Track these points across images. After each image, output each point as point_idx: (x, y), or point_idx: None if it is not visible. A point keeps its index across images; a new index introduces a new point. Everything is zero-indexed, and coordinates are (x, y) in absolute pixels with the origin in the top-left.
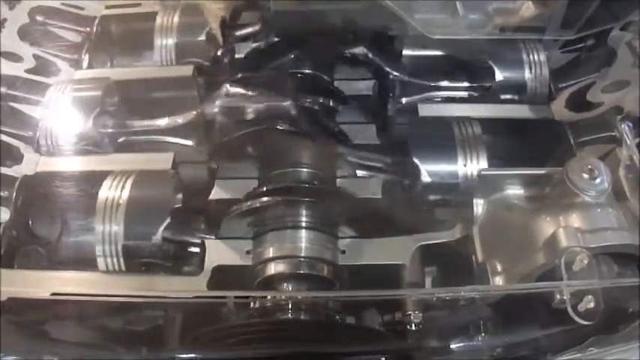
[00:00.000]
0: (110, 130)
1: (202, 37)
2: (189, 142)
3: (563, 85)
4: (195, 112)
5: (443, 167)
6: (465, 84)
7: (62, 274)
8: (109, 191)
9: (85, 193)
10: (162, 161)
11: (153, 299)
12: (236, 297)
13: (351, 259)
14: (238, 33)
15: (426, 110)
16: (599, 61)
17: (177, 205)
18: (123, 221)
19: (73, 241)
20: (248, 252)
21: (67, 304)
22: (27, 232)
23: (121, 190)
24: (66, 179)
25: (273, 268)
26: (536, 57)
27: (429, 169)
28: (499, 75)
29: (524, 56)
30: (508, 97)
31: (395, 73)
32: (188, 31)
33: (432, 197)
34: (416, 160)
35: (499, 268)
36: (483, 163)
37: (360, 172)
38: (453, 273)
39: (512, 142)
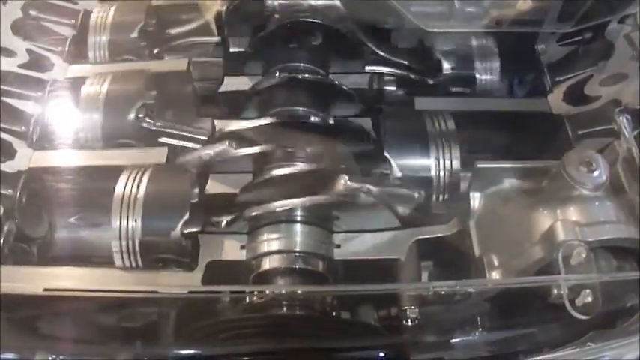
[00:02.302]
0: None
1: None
2: None
3: (560, 78)
4: None
5: None
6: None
7: (57, 270)
8: (125, 186)
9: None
10: (156, 156)
11: (148, 294)
12: (231, 292)
13: (347, 254)
14: None
15: (422, 104)
16: (597, 54)
17: (194, 200)
18: (141, 216)
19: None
20: (242, 247)
21: (61, 300)
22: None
23: (138, 185)
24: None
25: (267, 263)
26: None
27: None
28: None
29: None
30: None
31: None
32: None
33: None
34: None
35: (496, 262)
36: None
37: None
38: (449, 268)
39: None
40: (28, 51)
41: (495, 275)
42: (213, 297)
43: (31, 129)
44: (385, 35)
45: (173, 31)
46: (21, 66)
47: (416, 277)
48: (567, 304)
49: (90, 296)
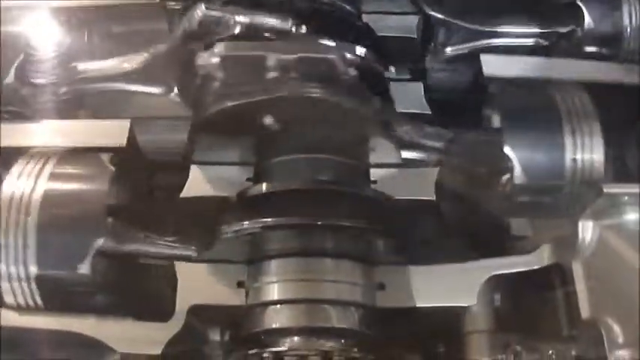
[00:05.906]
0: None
1: None
2: (154, 90)
3: None
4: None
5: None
6: (535, 29)
7: None
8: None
9: None
10: (116, 131)
11: None
12: None
13: (394, 299)
14: None
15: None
16: None
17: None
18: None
19: None
20: (240, 284)
21: None
22: None
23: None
24: None
25: (276, 318)
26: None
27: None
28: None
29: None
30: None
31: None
32: None
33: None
34: None
35: (620, 337)
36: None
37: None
38: (537, 319)
39: None
40: None
41: (623, 356)
42: None
43: None
44: None
45: None
46: None
47: (487, 329)
48: None
49: None
